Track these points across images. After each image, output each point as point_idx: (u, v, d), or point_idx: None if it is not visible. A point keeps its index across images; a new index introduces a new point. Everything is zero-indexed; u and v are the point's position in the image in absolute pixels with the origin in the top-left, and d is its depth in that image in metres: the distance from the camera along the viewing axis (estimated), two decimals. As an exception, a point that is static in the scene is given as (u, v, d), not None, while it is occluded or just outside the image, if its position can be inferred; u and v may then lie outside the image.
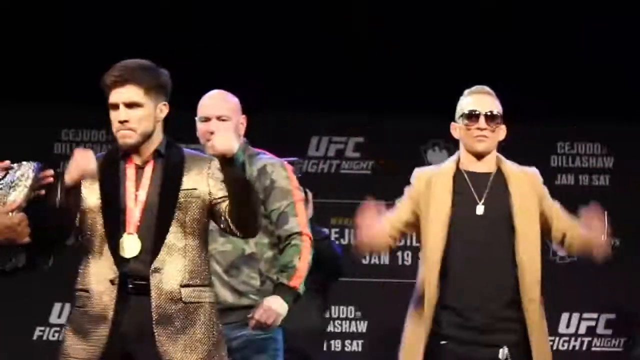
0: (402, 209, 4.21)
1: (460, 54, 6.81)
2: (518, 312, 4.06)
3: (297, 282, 4.21)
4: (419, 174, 4.26)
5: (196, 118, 4.40)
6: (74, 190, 3.59)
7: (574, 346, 7.11)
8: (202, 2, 6.71)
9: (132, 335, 3.59)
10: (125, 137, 3.67)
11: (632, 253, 6.98)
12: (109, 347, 3.58)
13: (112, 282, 3.61)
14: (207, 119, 4.37)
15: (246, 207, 3.63)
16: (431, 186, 4.16)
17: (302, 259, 4.25)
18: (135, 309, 3.60)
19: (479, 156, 4.17)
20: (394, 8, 6.71)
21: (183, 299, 3.61)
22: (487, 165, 4.19)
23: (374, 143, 7.23)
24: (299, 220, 4.32)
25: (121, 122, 3.66)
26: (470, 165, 4.19)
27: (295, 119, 6.98)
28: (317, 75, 6.74)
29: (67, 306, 6.92)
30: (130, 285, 3.61)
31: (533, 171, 4.26)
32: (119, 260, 3.61)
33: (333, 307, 6.97)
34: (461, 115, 4.18)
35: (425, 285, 4.08)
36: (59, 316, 6.94)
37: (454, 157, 4.25)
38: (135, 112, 3.67)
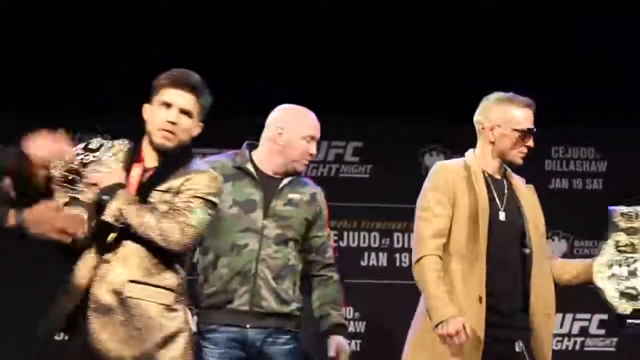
0: (446, 217, 4.15)
1: (459, 57, 6.81)
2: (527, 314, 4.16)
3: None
4: (449, 169, 4.24)
5: (291, 134, 4.52)
6: None
7: (567, 346, 7.12)
8: (202, 3, 6.67)
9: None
10: (167, 138, 3.71)
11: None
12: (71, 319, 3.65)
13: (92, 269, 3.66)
14: (313, 139, 4.54)
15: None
16: (473, 184, 4.16)
17: (341, 294, 4.57)
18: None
19: (507, 166, 4.25)
20: (394, 13, 6.71)
21: (125, 294, 3.60)
22: (499, 172, 4.27)
23: (372, 147, 7.25)
24: (332, 252, 4.64)
25: (170, 122, 3.68)
26: (489, 169, 4.24)
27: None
28: (316, 81, 6.74)
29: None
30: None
31: (531, 187, 4.35)
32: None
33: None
34: (516, 130, 4.20)
35: (469, 277, 4.08)
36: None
37: (471, 157, 4.27)
38: (186, 120, 3.72)
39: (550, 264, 4.23)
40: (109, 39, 6.58)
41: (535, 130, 4.22)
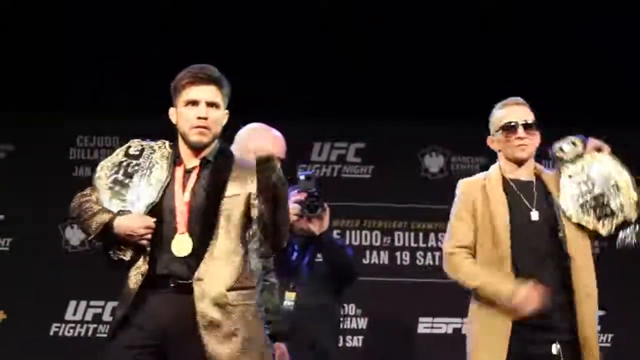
0: (468, 231, 4.17)
1: (459, 58, 6.74)
2: (569, 313, 4.08)
3: None
4: (468, 182, 4.27)
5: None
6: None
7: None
8: (202, 3, 6.59)
9: (172, 333, 3.50)
10: (203, 134, 3.61)
11: (618, 251, 6.95)
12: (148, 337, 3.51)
13: (142, 274, 3.54)
14: (281, 161, 4.49)
15: (277, 213, 3.53)
16: (487, 192, 4.18)
17: None
18: (177, 308, 3.51)
19: (520, 163, 4.22)
20: (394, 13, 6.63)
21: (230, 303, 3.51)
22: (527, 173, 4.24)
23: (373, 148, 7.21)
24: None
25: (201, 118, 3.60)
26: (513, 173, 4.23)
27: (299, 126, 6.96)
28: (316, 82, 6.68)
29: (82, 304, 6.92)
30: (172, 285, 3.53)
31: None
32: (159, 257, 3.56)
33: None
34: (499, 128, 4.21)
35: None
36: (74, 313, 6.92)
37: (495, 167, 4.28)
38: (214, 112, 3.63)
39: (589, 245, 4.23)
40: (108, 39, 6.50)
41: (514, 123, 4.18)
